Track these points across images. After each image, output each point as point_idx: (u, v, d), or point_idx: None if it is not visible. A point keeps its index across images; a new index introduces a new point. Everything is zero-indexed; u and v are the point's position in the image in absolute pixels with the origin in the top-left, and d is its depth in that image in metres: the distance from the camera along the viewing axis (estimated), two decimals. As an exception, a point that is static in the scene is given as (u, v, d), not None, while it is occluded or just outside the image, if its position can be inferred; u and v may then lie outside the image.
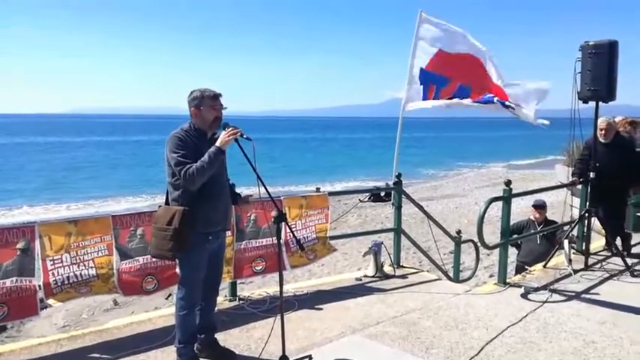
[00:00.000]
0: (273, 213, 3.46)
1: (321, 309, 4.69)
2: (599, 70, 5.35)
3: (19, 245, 3.64)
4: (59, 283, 3.84)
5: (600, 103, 5.59)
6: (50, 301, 3.85)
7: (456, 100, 6.10)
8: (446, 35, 6.11)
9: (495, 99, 5.96)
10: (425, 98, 6.20)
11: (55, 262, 3.81)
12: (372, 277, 5.66)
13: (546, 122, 5.94)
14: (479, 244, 5.55)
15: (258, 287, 6.85)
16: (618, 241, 6.41)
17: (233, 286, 4.94)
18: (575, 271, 5.67)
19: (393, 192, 6.08)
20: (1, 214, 21.65)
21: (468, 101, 6.06)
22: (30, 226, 3.74)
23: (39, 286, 3.76)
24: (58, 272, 3.82)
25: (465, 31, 6.09)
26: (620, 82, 5.53)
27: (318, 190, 5.95)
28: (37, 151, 54.12)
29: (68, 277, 3.87)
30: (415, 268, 6.41)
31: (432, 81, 6.15)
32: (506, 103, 5.91)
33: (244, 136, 3.33)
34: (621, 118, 7.27)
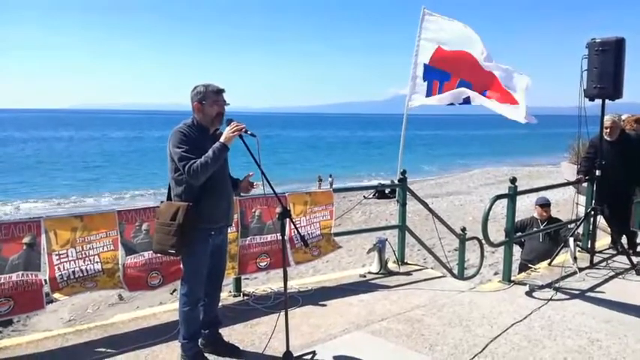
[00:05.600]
0: (278, 209, 3.46)
1: (325, 305, 4.70)
2: (605, 68, 5.31)
3: (25, 240, 3.66)
4: (65, 278, 3.86)
5: (607, 100, 5.56)
6: (56, 296, 3.88)
7: (458, 90, 6.04)
8: (445, 32, 6.10)
9: (488, 92, 5.92)
10: (429, 95, 6.19)
11: (61, 256, 3.83)
12: (376, 273, 5.67)
13: (534, 120, 5.88)
14: (483, 241, 5.55)
15: (263, 283, 6.86)
16: (624, 240, 6.39)
17: (237, 282, 4.96)
18: (581, 269, 5.66)
19: (397, 189, 6.08)
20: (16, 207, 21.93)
21: (470, 93, 5.99)
22: (36, 221, 3.75)
23: (45, 280, 3.79)
24: (63, 267, 3.85)
25: (467, 26, 6.04)
26: (627, 79, 5.49)
27: (319, 181, 5.95)
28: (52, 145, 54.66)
29: (74, 272, 3.90)
30: (419, 265, 6.41)
31: (436, 77, 6.14)
32: (495, 101, 5.86)
33: (248, 132, 3.32)
34: (628, 115, 7.22)
